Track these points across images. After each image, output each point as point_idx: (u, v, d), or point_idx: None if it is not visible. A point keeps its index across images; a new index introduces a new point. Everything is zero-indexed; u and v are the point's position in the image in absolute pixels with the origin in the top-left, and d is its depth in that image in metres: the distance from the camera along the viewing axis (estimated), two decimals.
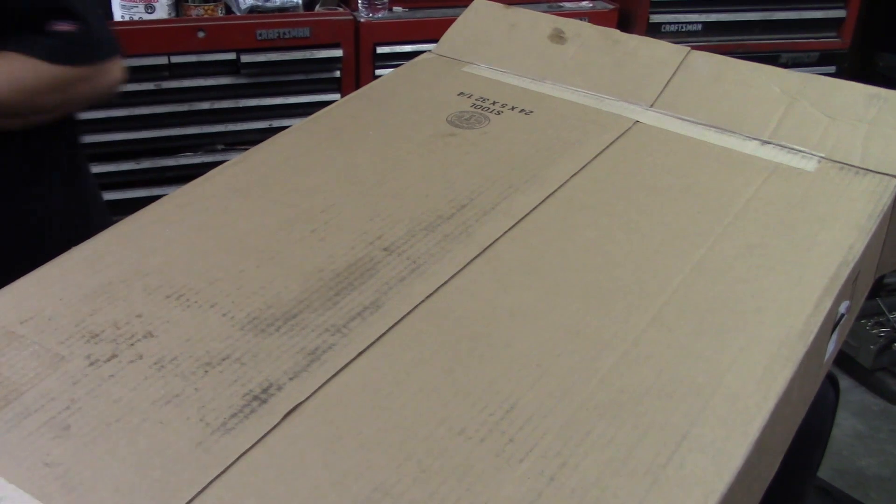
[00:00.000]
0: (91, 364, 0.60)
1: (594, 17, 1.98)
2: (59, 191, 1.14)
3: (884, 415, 2.23)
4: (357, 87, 1.87)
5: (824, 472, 1.15)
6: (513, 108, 0.95)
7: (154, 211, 0.78)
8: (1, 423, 0.56)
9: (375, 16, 1.87)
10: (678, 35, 2.08)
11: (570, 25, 1.08)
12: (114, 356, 0.61)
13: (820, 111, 0.91)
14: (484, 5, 1.13)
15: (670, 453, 0.55)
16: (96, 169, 1.83)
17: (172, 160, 1.96)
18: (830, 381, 0.94)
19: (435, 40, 1.80)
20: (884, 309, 2.22)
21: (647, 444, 0.55)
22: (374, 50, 1.88)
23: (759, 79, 0.97)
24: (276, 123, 1.92)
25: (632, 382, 0.60)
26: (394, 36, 1.87)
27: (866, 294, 0.87)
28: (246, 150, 0.88)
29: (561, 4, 1.97)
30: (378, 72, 1.88)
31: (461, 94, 0.98)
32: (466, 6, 1.11)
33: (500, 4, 1.13)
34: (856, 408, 2.22)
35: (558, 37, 1.06)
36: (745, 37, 2.13)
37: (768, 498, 0.66)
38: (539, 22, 1.08)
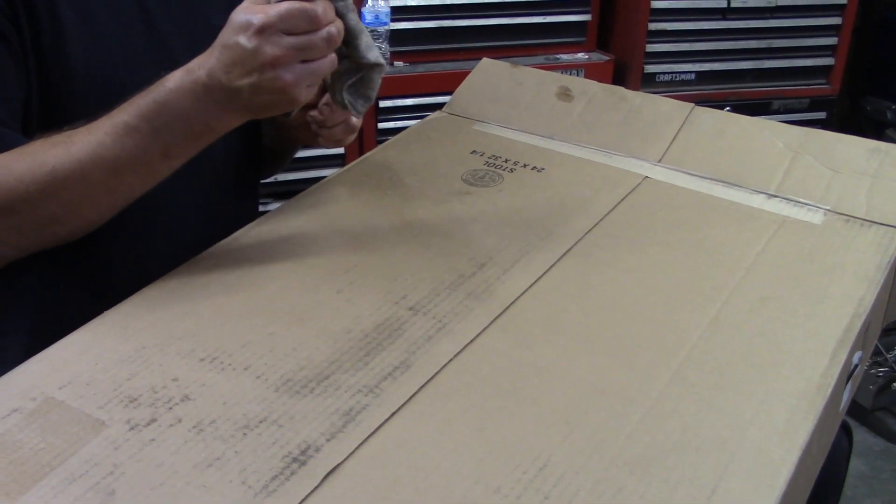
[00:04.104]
0: (131, 428, 0.62)
1: (590, 69, 2.02)
2: None
3: (885, 455, 2.24)
4: (361, 139, 1.90)
5: None
6: (525, 166, 0.98)
7: (181, 274, 0.80)
8: (47, 490, 0.57)
9: None
10: (672, 84, 2.12)
11: (576, 83, 1.11)
12: (153, 420, 0.63)
13: (823, 165, 0.94)
14: (490, 65, 1.16)
15: None
16: None
17: None
18: (844, 428, 0.96)
19: (435, 94, 1.83)
20: (881, 349, 2.23)
21: (679, 500, 0.57)
22: (377, 104, 1.92)
23: (762, 133, 1.00)
24: (281, 178, 1.94)
25: (658, 438, 0.62)
26: (396, 90, 1.91)
27: (875, 342, 0.89)
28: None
29: (558, 57, 2.01)
30: (381, 125, 1.92)
31: (474, 152, 1.01)
32: (465, 60, 1.14)
33: (506, 63, 1.16)
34: (857, 448, 2.22)
35: (565, 94, 1.09)
36: (738, 85, 2.18)
37: None
38: (545, 80, 1.11)
